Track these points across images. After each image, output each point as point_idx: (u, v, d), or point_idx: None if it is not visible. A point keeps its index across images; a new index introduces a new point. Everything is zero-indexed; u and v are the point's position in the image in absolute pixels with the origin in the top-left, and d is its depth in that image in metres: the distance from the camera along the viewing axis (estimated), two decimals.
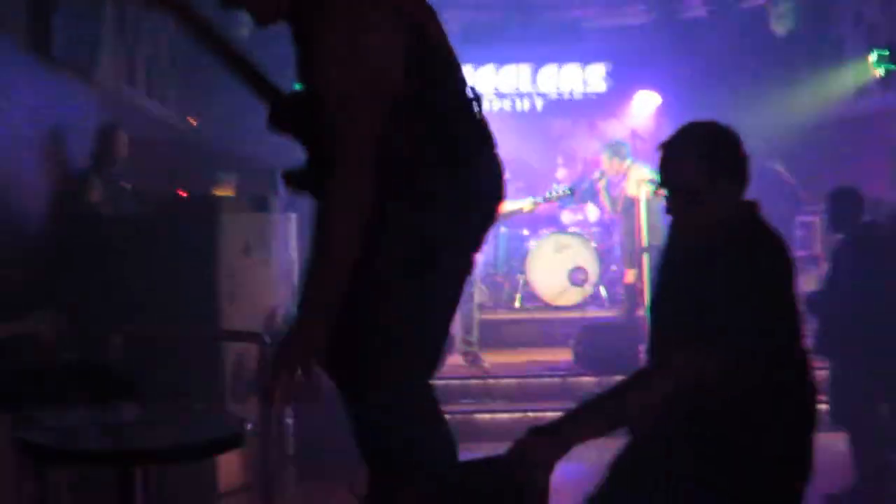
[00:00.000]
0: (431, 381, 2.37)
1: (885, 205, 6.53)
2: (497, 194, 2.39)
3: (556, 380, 7.18)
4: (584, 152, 10.70)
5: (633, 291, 7.93)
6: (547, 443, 2.20)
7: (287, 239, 5.93)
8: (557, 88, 11.42)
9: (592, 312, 8.84)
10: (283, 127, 2.32)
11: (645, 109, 10.78)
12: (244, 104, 3.14)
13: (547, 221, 9.73)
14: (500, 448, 2.29)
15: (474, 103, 2.34)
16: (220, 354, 5.03)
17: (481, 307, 8.11)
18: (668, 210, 2.46)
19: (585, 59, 11.31)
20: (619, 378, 2.52)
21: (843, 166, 8.01)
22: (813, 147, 9.15)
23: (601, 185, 8.08)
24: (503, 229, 9.07)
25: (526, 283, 9.02)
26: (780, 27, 9.26)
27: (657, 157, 2.48)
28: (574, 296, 8.77)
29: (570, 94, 11.44)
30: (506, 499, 2.21)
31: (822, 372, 5.50)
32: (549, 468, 2.19)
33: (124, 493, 2.61)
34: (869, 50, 8.45)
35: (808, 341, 5.34)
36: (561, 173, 10.31)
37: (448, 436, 2.36)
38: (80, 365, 3.20)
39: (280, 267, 5.73)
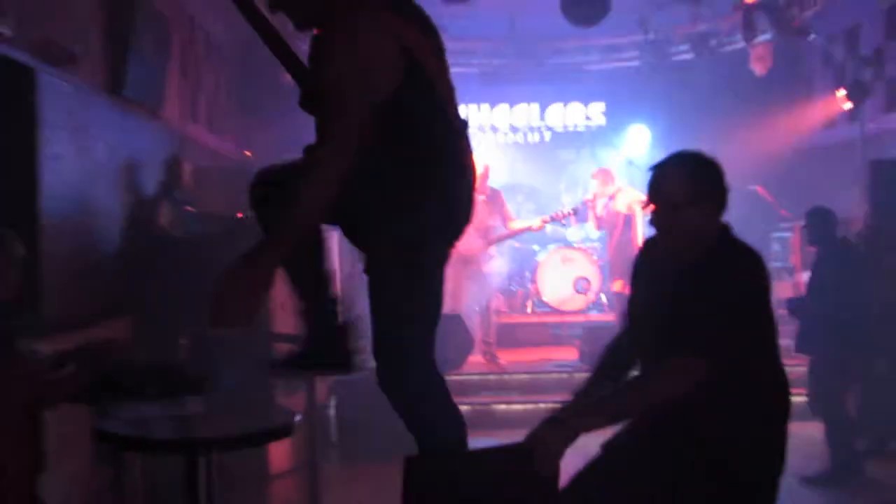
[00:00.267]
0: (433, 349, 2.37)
1: (852, 222, 6.48)
2: (465, 221, 2.39)
3: (564, 375, 7.15)
4: (586, 178, 10.68)
5: (622, 298, 7.86)
6: (557, 433, 2.18)
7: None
8: (563, 123, 11.59)
9: (595, 316, 8.84)
10: (311, 109, 2.32)
11: (639, 140, 10.89)
12: (290, 137, 3.15)
13: (554, 238, 9.73)
14: (515, 435, 2.30)
15: (460, 136, 2.37)
16: (272, 354, 5.03)
17: (498, 312, 8.16)
18: (653, 222, 2.42)
19: (587, 98, 11.45)
20: None
21: (814, 189, 7.96)
22: (788, 172, 9.13)
23: (593, 205, 8.03)
24: (516, 244, 9.05)
25: (536, 291, 9.02)
26: (757, 67, 9.21)
27: (648, 178, 2.45)
28: (579, 302, 8.73)
29: (575, 127, 11.57)
30: (522, 481, 2.19)
31: (801, 368, 5.44)
32: (558, 455, 2.17)
33: (190, 476, 2.62)
34: (836, 87, 8.43)
35: (790, 341, 5.32)
36: (566, 197, 10.37)
37: (457, 410, 2.38)
38: (153, 364, 3.20)
39: None
